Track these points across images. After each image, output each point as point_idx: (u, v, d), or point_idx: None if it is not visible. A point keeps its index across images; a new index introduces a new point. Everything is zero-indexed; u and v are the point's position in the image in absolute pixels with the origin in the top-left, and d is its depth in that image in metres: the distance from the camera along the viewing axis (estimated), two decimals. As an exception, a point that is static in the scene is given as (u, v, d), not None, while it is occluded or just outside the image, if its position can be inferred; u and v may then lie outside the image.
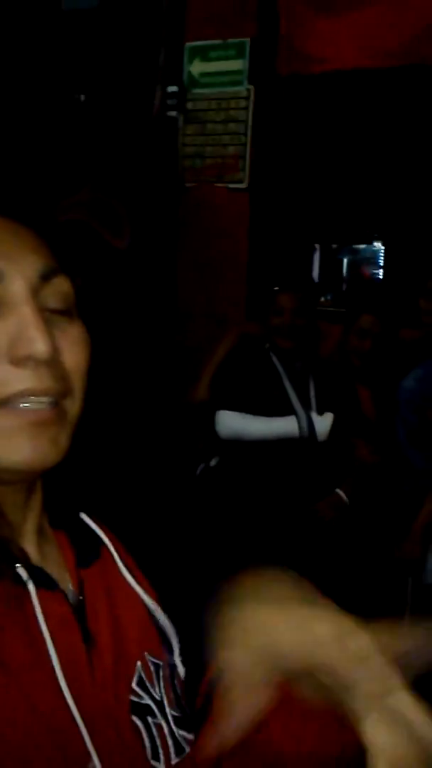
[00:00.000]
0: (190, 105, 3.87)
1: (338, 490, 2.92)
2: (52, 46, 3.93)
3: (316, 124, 4.08)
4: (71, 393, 0.74)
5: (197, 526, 2.81)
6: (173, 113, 3.89)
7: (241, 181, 3.78)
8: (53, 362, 0.71)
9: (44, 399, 0.71)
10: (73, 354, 0.74)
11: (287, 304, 2.96)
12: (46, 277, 0.73)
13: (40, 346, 0.69)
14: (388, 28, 3.44)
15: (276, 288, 3.04)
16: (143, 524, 0.99)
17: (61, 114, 3.75)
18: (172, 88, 3.87)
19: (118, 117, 3.86)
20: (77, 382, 0.75)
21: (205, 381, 3.07)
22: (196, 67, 3.84)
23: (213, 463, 3.08)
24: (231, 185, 3.80)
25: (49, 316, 0.73)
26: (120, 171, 3.61)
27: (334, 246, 8.04)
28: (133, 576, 0.85)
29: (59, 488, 0.82)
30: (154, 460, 2.91)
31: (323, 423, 2.90)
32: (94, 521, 0.86)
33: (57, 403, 0.72)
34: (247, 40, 3.70)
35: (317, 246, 7.88)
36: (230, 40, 3.74)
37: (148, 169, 3.86)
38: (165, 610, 0.85)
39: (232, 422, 2.92)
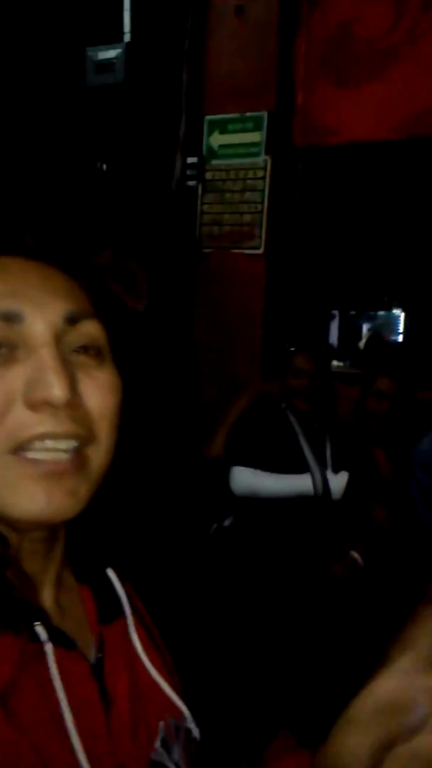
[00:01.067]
0: (209, 175, 4.04)
1: (353, 552, 2.91)
2: (76, 118, 4.13)
3: (331, 194, 4.22)
4: (95, 440, 0.72)
5: (210, 586, 2.82)
6: (193, 183, 4.04)
7: (257, 248, 3.91)
8: (74, 407, 0.69)
9: (63, 444, 0.69)
10: (99, 399, 0.72)
11: (304, 366, 3.03)
12: (73, 321, 0.72)
13: (56, 390, 0.67)
14: (403, 101, 3.59)
15: (292, 349, 3.10)
16: (160, 580, 0.98)
17: (82, 180, 3.91)
18: (192, 159, 4.03)
19: (139, 185, 4.03)
20: (103, 429, 0.72)
21: (220, 437, 3.12)
22: (215, 139, 4.01)
23: (227, 522, 3.11)
24: (247, 251, 3.93)
25: (75, 360, 0.72)
26: (140, 236, 3.75)
27: (353, 312, 8.18)
28: (151, 635, 0.84)
29: (85, 540, 0.81)
30: (168, 518, 2.95)
31: (338, 482, 2.92)
32: (119, 578, 0.84)
33: (79, 450, 0.70)
34: (265, 113, 3.87)
35: (336, 312, 8.01)
36: (248, 114, 3.92)
37: (168, 236, 4.01)
38: (179, 670, 0.85)
39: (246, 478, 2.96)
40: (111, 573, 0.83)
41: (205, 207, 4.05)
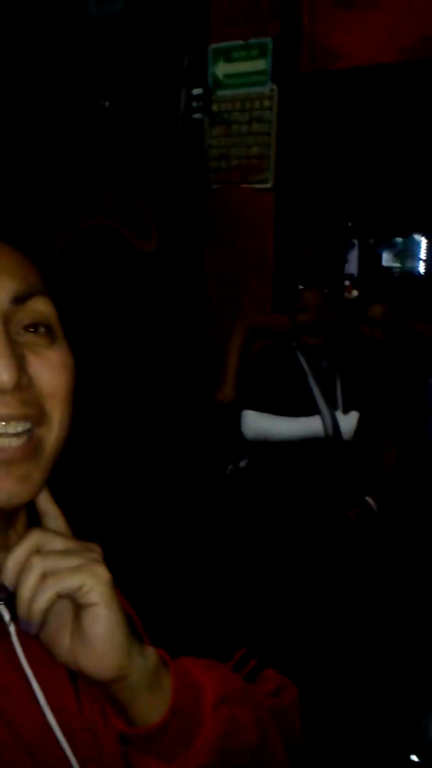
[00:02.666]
0: (215, 106, 3.99)
1: (367, 498, 2.96)
2: (79, 52, 4.08)
3: (342, 121, 4.17)
4: (47, 420, 0.73)
5: (226, 526, 2.91)
6: (198, 115, 4.01)
7: (266, 181, 3.89)
8: (24, 388, 0.71)
9: (13, 427, 0.70)
10: (50, 379, 0.73)
11: (313, 301, 3.01)
12: (20, 300, 0.73)
13: (3, 375, 0.68)
14: (410, 21, 3.52)
15: (300, 286, 3.09)
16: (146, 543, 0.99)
17: (86, 121, 3.89)
18: (197, 91, 3.99)
19: (144, 121, 4.00)
20: (55, 409, 0.73)
21: (230, 380, 3.15)
22: (220, 69, 3.96)
23: (242, 464, 3.17)
24: (256, 185, 3.92)
25: (24, 339, 0.73)
26: (146, 175, 3.74)
27: (372, 241, 8.13)
28: None
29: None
30: (180, 463, 3.03)
31: (348, 422, 2.95)
32: None
33: (31, 431, 0.71)
34: (270, 39, 3.81)
35: (355, 242, 7.98)
36: (252, 41, 3.85)
37: (175, 172, 3.99)
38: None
39: (257, 423, 3.00)
40: None
41: (213, 140, 4.02)
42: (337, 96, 3.95)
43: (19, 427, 0.71)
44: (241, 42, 3.88)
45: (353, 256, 7.93)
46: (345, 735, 2.50)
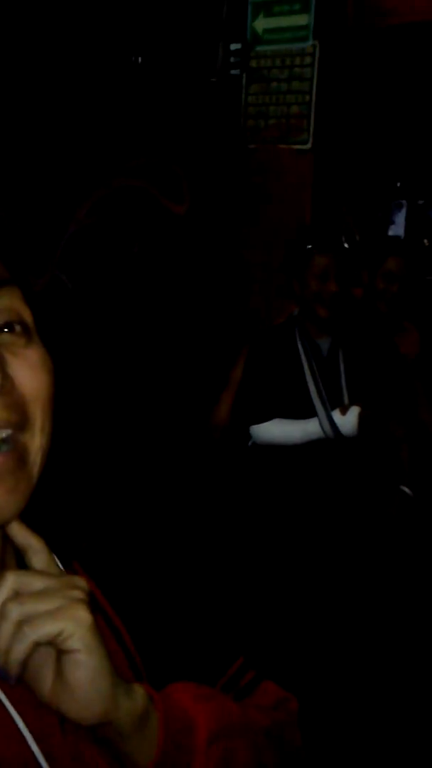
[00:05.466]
0: (253, 63, 4.00)
1: (402, 487, 2.92)
2: (110, 5, 4.09)
3: (386, 81, 4.14)
4: (30, 425, 0.71)
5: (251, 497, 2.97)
6: (236, 71, 4.01)
7: (305, 142, 3.90)
8: (6, 392, 0.69)
9: None
10: (31, 380, 0.71)
11: (331, 268, 2.80)
12: None
13: None
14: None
15: (310, 247, 2.84)
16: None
17: (117, 78, 3.91)
18: (236, 46, 3.99)
19: (178, 78, 4.01)
20: (38, 412, 0.72)
21: (226, 403, 3.12)
22: (260, 23, 3.95)
23: None
24: (295, 146, 3.93)
25: (1, 340, 0.72)
26: (180, 134, 3.77)
27: (421, 202, 8.03)
28: (105, 618, 0.83)
29: (46, 530, 0.77)
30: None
31: (348, 421, 2.78)
32: (78, 569, 0.84)
33: (14, 439, 0.70)
34: (313, -7, 3.80)
35: (404, 202, 7.89)
36: (295, -6, 3.85)
37: (210, 131, 4.01)
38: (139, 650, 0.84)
39: (266, 434, 2.91)
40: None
41: (250, 98, 4.03)
42: (383, 54, 3.92)
43: (2, 433, 0.70)
44: (283, -5, 3.87)
45: (400, 218, 7.85)
46: (368, 744, 2.57)
